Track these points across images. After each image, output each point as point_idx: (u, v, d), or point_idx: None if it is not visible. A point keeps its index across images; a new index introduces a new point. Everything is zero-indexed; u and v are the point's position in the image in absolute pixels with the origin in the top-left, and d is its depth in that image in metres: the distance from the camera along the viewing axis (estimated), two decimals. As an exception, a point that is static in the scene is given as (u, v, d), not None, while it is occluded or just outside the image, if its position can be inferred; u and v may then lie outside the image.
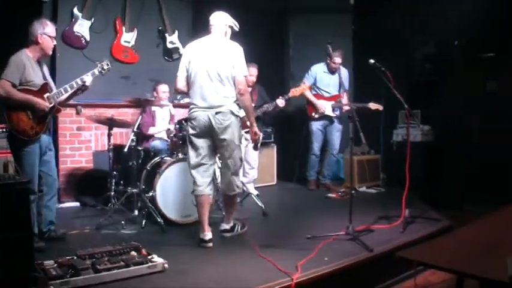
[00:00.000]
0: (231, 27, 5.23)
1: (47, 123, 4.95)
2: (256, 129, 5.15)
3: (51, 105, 4.87)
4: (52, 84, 5.12)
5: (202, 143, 5.10)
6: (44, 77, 4.98)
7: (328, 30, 9.03)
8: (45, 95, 4.85)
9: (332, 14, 9.52)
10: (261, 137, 5.41)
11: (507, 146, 7.34)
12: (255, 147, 5.65)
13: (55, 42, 5.01)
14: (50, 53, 5.03)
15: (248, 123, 5.16)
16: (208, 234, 5.03)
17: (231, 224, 5.38)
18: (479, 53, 7.87)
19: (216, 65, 4.97)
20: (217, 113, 4.94)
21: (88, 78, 5.11)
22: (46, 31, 4.86)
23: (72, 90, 5.12)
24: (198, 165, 5.13)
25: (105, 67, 5.31)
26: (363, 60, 6.11)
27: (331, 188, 8.29)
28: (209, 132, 5.03)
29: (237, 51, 5.04)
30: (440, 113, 8.33)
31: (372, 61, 5.65)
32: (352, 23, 9.74)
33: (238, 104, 5.10)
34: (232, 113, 4.98)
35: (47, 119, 4.90)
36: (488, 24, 7.30)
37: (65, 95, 5.13)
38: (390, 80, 5.59)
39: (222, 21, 5.16)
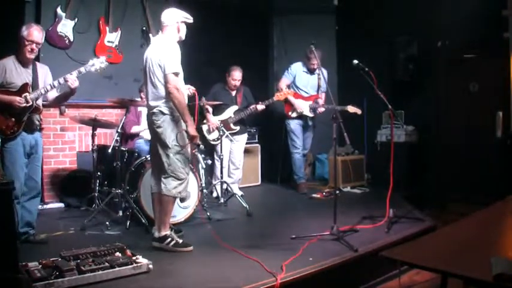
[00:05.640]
0: (184, 22, 5.02)
1: (25, 121, 4.88)
2: (189, 128, 4.87)
3: (28, 104, 4.83)
4: (41, 85, 5.05)
5: (152, 142, 5.21)
6: (35, 79, 4.97)
7: (311, 31, 9.09)
8: (23, 95, 4.82)
9: (316, 15, 9.57)
10: (198, 139, 5.14)
11: (490, 146, 7.42)
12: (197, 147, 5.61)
13: (33, 46, 4.88)
14: (28, 55, 4.90)
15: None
16: (154, 229, 5.09)
17: (161, 233, 4.93)
18: (461, 53, 7.94)
19: (151, 67, 4.91)
20: (152, 114, 4.94)
21: (71, 77, 5.01)
22: (23, 34, 4.83)
23: (64, 92, 5.19)
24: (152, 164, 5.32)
25: (98, 65, 5.21)
26: (346, 61, 6.15)
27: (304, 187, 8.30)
28: (151, 132, 5.10)
29: (167, 48, 4.87)
30: (423, 113, 8.39)
31: (355, 62, 5.67)
32: (335, 23, 9.78)
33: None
34: (162, 112, 4.87)
35: (23, 117, 4.85)
36: (471, 25, 7.37)
37: (53, 95, 5.20)
38: (374, 80, 5.61)
39: (171, 19, 4.98)
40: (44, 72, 5.13)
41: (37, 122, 5.08)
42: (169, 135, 4.86)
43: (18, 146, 4.85)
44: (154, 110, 4.90)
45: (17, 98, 4.77)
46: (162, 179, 4.94)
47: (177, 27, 5.00)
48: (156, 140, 4.98)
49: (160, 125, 4.87)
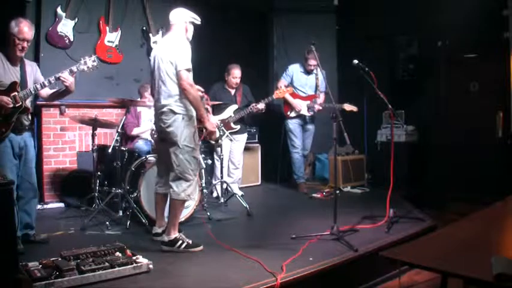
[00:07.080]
0: (192, 22, 5.02)
1: (13, 122, 4.77)
2: (207, 124, 4.91)
3: (17, 104, 4.73)
4: (30, 84, 4.94)
5: (158, 144, 5.25)
6: (24, 77, 4.88)
7: (312, 31, 9.08)
8: (12, 94, 4.71)
9: (316, 14, 9.57)
10: (217, 133, 5.14)
11: (490, 146, 7.42)
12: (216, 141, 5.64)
13: (24, 44, 4.77)
14: (18, 54, 4.80)
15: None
16: (155, 228, 5.16)
17: (171, 237, 4.86)
18: (461, 53, 7.94)
19: (161, 64, 4.88)
20: (161, 113, 4.87)
21: (65, 75, 4.92)
22: (14, 31, 4.69)
23: (60, 89, 5.12)
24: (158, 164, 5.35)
25: (90, 64, 5.12)
26: (346, 61, 6.15)
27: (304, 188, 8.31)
28: (159, 132, 5.05)
29: (178, 45, 4.84)
30: (423, 113, 8.40)
31: (355, 61, 5.68)
32: (336, 23, 9.78)
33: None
34: (173, 111, 4.80)
35: (12, 117, 4.74)
36: (471, 25, 7.37)
37: (47, 92, 5.15)
38: (374, 80, 5.61)
39: (180, 19, 4.97)
40: (32, 69, 5.03)
41: (26, 122, 4.95)
42: (180, 135, 4.79)
43: (6, 148, 4.75)
44: (164, 109, 4.83)
45: (5, 98, 4.64)
46: (171, 182, 4.87)
47: (185, 27, 4.99)
48: (165, 139, 4.90)
49: (171, 124, 4.80)
